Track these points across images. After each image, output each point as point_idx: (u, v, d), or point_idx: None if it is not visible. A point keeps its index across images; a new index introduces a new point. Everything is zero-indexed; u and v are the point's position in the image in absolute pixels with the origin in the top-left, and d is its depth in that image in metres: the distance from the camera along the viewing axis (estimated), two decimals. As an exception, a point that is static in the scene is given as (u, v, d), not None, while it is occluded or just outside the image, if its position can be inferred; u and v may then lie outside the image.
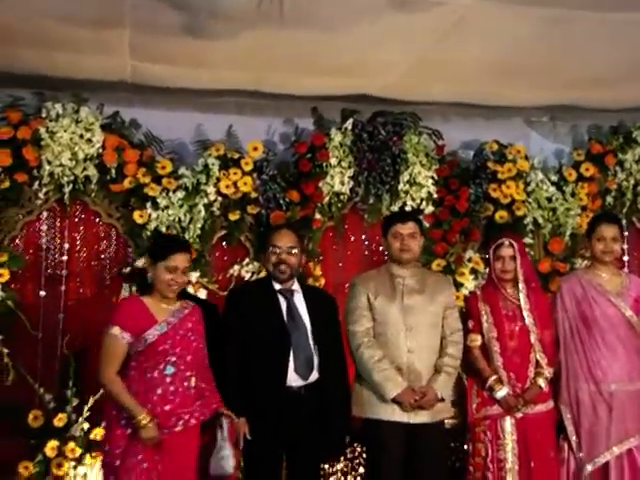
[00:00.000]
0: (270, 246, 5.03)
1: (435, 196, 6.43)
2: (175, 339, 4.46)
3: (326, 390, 4.94)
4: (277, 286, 5.04)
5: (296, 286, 5.11)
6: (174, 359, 4.43)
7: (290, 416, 4.83)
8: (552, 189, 6.62)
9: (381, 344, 5.06)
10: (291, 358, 4.88)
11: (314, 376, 4.94)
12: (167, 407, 4.38)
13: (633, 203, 6.86)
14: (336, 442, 5.09)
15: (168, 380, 4.40)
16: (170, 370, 4.42)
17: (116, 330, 4.35)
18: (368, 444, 5.23)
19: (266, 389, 4.82)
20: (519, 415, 5.22)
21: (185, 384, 4.47)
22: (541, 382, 5.26)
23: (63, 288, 6.12)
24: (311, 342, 4.97)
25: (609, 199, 6.84)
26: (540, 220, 6.57)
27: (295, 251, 5.04)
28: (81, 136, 5.93)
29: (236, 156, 6.15)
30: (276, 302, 5.01)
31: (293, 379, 4.87)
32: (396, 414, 4.95)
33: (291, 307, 5.02)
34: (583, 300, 5.45)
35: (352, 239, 6.59)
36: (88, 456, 5.68)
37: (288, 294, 5.04)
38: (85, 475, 5.72)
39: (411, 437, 4.98)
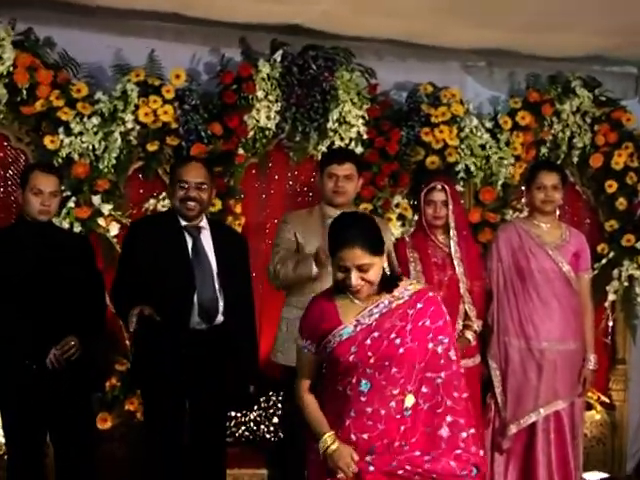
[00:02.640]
0: (177, 180, 4.73)
1: (365, 137, 6.15)
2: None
3: (231, 334, 4.69)
4: (183, 222, 4.76)
5: (204, 223, 4.85)
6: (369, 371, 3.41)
7: (192, 360, 4.59)
8: (486, 136, 6.39)
9: (303, 287, 4.84)
10: (195, 300, 4.62)
11: (219, 319, 4.70)
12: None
13: (567, 156, 6.68)
14: (241, 389, 4.88)
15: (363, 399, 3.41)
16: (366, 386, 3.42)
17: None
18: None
19: (167, 331, 4.54)
20: (444, 369, 4.99)
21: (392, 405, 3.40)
22: (469, 335, 5.08)
23: (-35, 215, 5.74)
24: (216, 284, 4.72)
25: (543, 150, 6.66)
26: (472, 168, 6.35)
27: (205, 187, 4.74)
28: (-10, 52, 5.50)
29: (157, 83, 5.77)
30: (181, 240, 4.74)
31: (196, 322, 4.63)
32: None
33: (197, 246, 4.75)
34: (519, 251, 5.26)
35: (276, 177, 6.29)
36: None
37: (195, 231, 4.77)
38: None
39: None
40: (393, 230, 5.98)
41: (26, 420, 4.59)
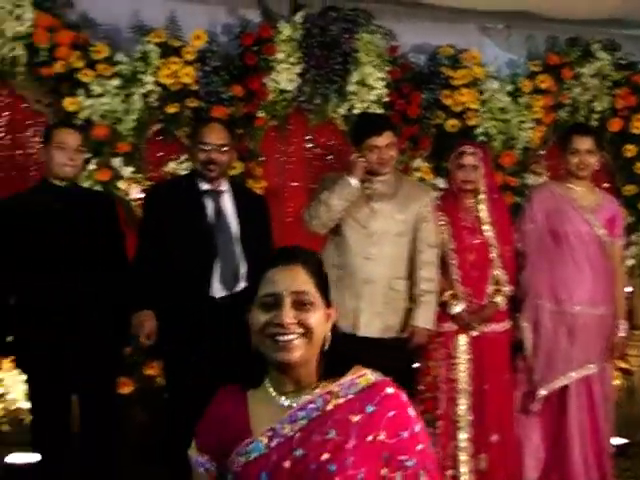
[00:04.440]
0: (198, 142, 4.65)
1: (385, 100, 6.10)
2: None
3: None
4: (204, 186, 4.68)
5: (225, 186, 4.75)
6: None
7: (211, 329, 4.52)
8: (506, 99, 6.36)
9: (337, 247, 4.79)
10: (216, 266, 4.56)
11: (241, 285, 4.61)
12: None
13: (586, 120, 6.63)
14: None
15: None
16: None
17: None
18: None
19: (187, 299, 4.49)
20: (474, 333, 4.96)
21: None
22: (499, 300, 5.01)
23: (-16, 177, 5.69)
24: (238, 249, 4.63)
25: (562, 114, 6.62)
26: (492, 131, 6.32)
27: (226, 149, 4.66)
28: (10, 12, 5.40)
29: (177, 44, 5.72)
30: (202, 204, 4.65)
31: (217, 289, 4.56)
32: (349, 327, 4.70)
33: (218, 209, 4.67)
34: (555, 213, 5.16)
35: (295, 140, 6.23)
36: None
37: (215, 195, 4.69)
38: (1, 380, 5.43)
39: (362, 352, 4.74)
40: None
41: (53, 380, 4.55)
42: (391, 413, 2.20)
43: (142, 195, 5.55)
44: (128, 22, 5.81)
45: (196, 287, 4.52)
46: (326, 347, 2.27)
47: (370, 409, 2.20)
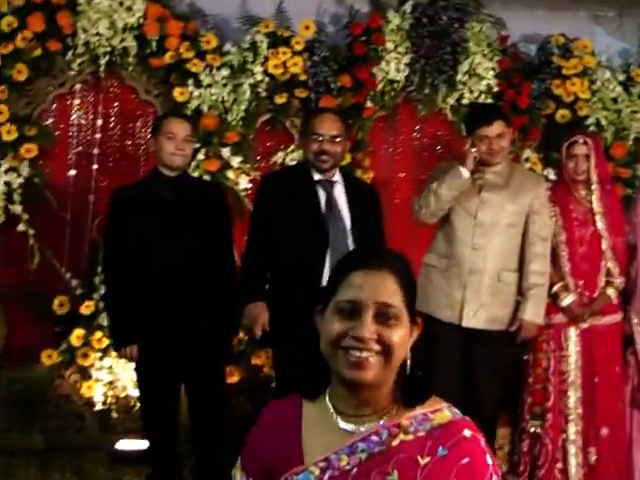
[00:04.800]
0: (311, 133, 4.55)
1: (495, 90, 6.00)
2: None
3: None
4: (316, 176, 4.58)
5: (337, 177, 4.65)
6: None
7: None
8: (618, 89, 6.20)
9: (446, 236, 4.72)
10: (328, 257, 4.49)
11: None
12: None
13: (701, 110, 6.45)
14: None
15: None
16: None
17: None
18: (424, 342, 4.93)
19: (298, 289, 4.39)
20: (585, 326, 4.85)
21: None
22: (611, 292, 4.90)
23: (94, 167, 5.73)
24: (350, 240, 4.55)
25: (675, 105, 6.44)
26: (603, 122, 6.17)
27: (339, 140, 4.57)
28: (121, 3, 5.45)
29: (286, 34, 5.71)
30: (314, 194, 4.57)
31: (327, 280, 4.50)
32: (454, 317, 4.68)
33: (330, 200, 4.59)
34: None
35: (404, 131, 6.16)
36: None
37: (328, 185, 4.60)
38: (111, 367, 5.41)
39: (468, 343, 4.72)
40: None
41: (163, 369, 4.56)
42: (465, 460, 1.81)
43: (250, 185, 5.57)
44: (236, 12, 5.85)
45: (308, 277, 4.46)
46: (407, 371, 1.92)
47: (442, 452, 1.82)
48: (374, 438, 1.85)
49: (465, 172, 4.58)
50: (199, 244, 4.52)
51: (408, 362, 1.90)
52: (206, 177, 5.48)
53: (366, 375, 1.81)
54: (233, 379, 5.54)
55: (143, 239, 4.44)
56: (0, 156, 5.33)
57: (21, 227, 5.38)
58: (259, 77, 5.64)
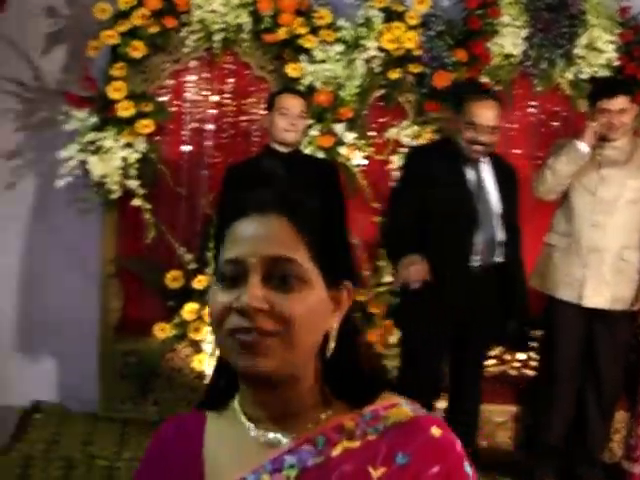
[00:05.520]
0: (466, 121, 4.43)
1: (615, 64, 5.81)
2: None
3: (508, 273, 4.51)
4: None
5: (485, 157, 4.58)
6: None
7: (467, 298, 4.43)
8: None
9: (565, 214, 4.62)
10: (476, 236, 4.44)
11: (496, 258, 4.50)
12: None
13: None
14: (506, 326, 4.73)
15: None
16: None
17: None
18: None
19: (445, 266, 4.38)
20: None
21: None
22: None
23: (209, 143, 5.76)
24: (495, 220, 4.49)
25: None
26: None
27: (497, 130, 4.49)
28: (235, -20, 5.48)
29: (400, 9, 5.63)
30: (463, 172, 4.50)
31: (475, 260, 4.45)
32: (574, 297, 4.59)
33: (479, 180, 4.52)
34: None
35: (520, 106, 6.02)
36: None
37: (476, 165, 4.54)
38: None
39: (589, 323, 4.64)
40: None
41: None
42: (435, 469, 1.29)
43: (365, 162, 5.53)
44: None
45: (456, 255, 4.44)
46: (328, 354, 1.38)
47: (402, 460, 1.30)
48: (306, 448, 1.33)
49: (583, 146, 4.47)
50: None
51: (332, 344, 1.37)
52: (319, 153, 5.45)
53: (264, 363, 1.28)
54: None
55: None
56: (117, 132, 5.38)
57: (137, 202, 5.42)
58: (373, 52, 5.57)
